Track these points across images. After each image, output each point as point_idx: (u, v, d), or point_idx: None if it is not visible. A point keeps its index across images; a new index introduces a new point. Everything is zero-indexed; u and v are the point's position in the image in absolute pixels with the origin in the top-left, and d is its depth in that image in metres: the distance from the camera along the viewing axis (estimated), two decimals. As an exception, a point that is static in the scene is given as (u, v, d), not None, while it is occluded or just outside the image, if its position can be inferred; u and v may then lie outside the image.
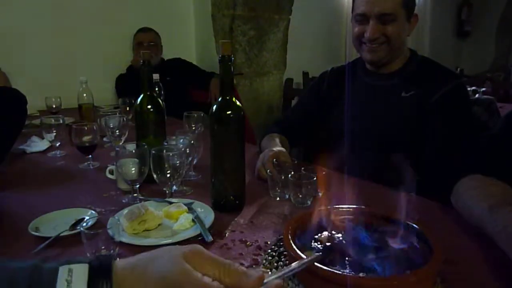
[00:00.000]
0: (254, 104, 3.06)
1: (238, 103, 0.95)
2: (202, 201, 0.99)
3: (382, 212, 0.70)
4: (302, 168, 1.07)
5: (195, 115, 1.58)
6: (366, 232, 0.61)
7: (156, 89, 1.98)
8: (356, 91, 1.43)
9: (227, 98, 0.94)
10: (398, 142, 1.33)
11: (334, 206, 0.77)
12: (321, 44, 4.00)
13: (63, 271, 0.44)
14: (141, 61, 1.15)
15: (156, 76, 1.97)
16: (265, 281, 0.45)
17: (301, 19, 3.47)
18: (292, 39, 3.36)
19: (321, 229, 0.67)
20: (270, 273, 0.48)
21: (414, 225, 0.66)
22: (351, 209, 0.74)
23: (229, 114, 0.93)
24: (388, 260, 0.55)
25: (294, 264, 0.52)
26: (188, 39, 3.27)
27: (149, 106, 1.16)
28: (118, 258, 0.48)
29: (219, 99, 0.94)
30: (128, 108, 2.05)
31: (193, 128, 1.58)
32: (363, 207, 0.74)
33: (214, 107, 0.94)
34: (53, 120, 1.54)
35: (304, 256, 0.58)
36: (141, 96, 1.16)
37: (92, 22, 2.80)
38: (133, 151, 1.06)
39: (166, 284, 0.43)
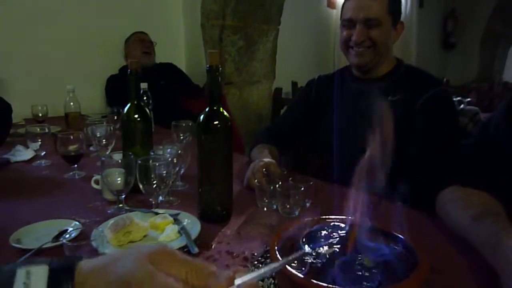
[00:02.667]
0: (243, 113, 3.07)
1: (225, 113, 0.95)
2: (189, 212, 0.98)
3: (367, 222, 0.70)
4: (290, 178, 1.07)
5: (183, 124, 1.57)
6: (353, 243, 0.61)
7: (144, 98, 1.99)
8: (344, 97, 1.46)
9: (215, 108, 0.93)
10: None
11: (321, 217, 0.76)
12: (310, 54, 4.03)
13: (21, 273, 0.42)
14: (129, 70, 1.14)
15: (144, 85, 1.98)
16: (237, 282, 0.43)
17: (290, 29, 3.50)
18: (281, 49, 3.39)
19: (308, 239, 0.66)
20: (242, 275, 0.45)
21: (399, 234, 0.66)
22: (337, 220, 0.74)
23: (216, 124, 0.93)
24: (375, 271, 0.55)
25: (272, 264, 0.49)
26: (177, 47, 3.27)
27: (136, 115, 1.15)
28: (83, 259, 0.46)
29: (207, 109, 0.94)
30: (116, 117, 2.03)
31: (181, 137, 1.58)
32: (349, 217, 0.73)
33: (202, 116, 0.94)
34: (38, 129, 1.52)
35: (290, 268, 0.57)
36: (129, 105, 1.15)
37: (80, 30, 2.78)
38: (119, 161, 1.04)
39: (128, 285, 0.41)
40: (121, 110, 2.04)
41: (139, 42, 2.77)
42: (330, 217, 0.74)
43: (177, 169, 1.14)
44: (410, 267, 0.58)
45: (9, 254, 0.81)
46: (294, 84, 3.50)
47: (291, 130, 1.59)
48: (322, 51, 4.19)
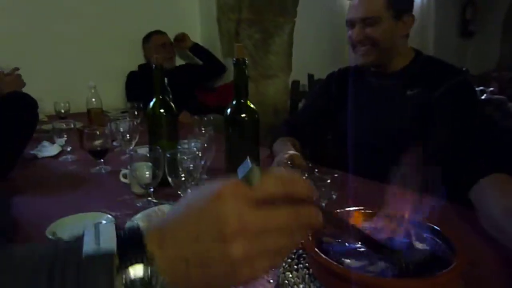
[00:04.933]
0: (260, 107, 3.03)
1: (252, 106, 0.95)
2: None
3: (401, 214, 0.70)
4: (316, 171, 1.07)
5: (205, 118, 1.58)
6: (390, 234, 0.61)
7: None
8: (362, 91, 1.45)
9: (242, 101, 0.94)
10: (404, 141, 1.33)
11: (352, 208, 0.77)
12: (326, 46, 4.00)
13: (88, 229, 0.41)
14: (154, 65, 1.15)
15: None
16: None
17: (306, 21, 3.47)
18: (297, 41, 3.36)
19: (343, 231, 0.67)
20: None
21: (435, 226, 0.66)
22: (369, 212, 0.74)
23: (243, 117, 0.94)
24: (413, 262, 0.55)
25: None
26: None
27: (162, 110, 1.16)
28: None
29: (234, 102, 0.95)
30: (136, 112, 2.05)
31: (203, 131, 1.59)
32: (381, 208, 0.73)
33: (229, 110, 0.95)
34: (64, 125, 1.55)
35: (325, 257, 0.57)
36: (154, 100, 1.16)
37: (99, 27, 2.81)
38: (147, 154, 1.06)
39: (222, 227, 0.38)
40: (141, 105, 2.10)
41: (161, 48, 2.78)
42: (360, 208, 0.74)
43: (203, 162, 1.15)
44: (447, 260, 0.58)
45: (46, 247, 0.83)
46: (310, 76, 3.47)
47: (311, 123, 1.58)
48: (338, 43, 4.13)
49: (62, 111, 2.26)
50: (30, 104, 1.30)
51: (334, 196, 1.05)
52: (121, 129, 1.54)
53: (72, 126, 1.55)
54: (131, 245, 0.38)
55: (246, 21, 2.92)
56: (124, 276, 0.36)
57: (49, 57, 2.66)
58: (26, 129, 1.27)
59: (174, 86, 2.33)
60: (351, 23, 1.36)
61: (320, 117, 1.58)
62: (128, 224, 0.85)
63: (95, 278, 0.36)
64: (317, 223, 0.42)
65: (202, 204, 0.39)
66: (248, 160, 0.42)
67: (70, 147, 1.54)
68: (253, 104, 0.98)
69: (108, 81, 2.76)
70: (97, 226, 0.41)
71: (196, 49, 3.01)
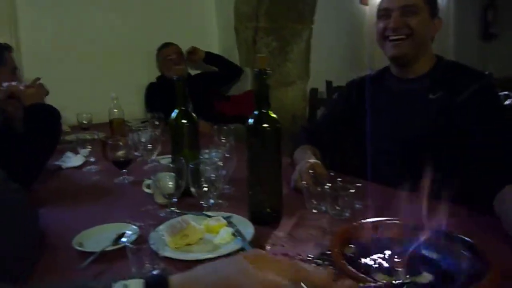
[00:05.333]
0: (278, 114, 3.01)
1: (274, 115, 0.95)
2: (239, 214, 0.99)
3: (430, 225, 0.69)
4: (339, 180, 1.06)
5: (225, 127, 1.59)
6: (421, 246, 0.60)
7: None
8: (383, 97, 1.43)
9: (263, 111, 0.94)
10: (426, 146, 1.31)
11: (378, 219, 0.75)
12: (343, 53, 3.98)
13: (118, 286, 0.44)
14: (175, 77, 1.17)
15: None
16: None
17: (323, 28, 3.46)
18: (315, 48, 3.36)
19: (372, 244, 0.66)
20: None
21: (466, 238, 0.64)
22: (398, 223, 0.73)
23: (265, 127, 0.94)
24: (447, 274, 0.54)
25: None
26: (211, 51, 3.31)
27: (184, 121, 1.17)
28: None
29: (256, 112, 0.95)
30: (156, 123, 2.08)
31: (223, 141, 1.59)
32: (410, 219, 0.72)
33: (251, 120, 0.95)
34: (87, 136, 1.58)
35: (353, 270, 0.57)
36: (176, 111, 1.17)
37: (119, 39, 2.87)
38: (170, 165, 1.07)
39: (226, 286, 0.42)
40: (161, 115, 2.12)
41: (169, 60, 2.81)
42: (388, 219, 0.73)
43: (225, 172, 1.16)
44: (480, 274, 0.56)
45: (74, 257, 0.85)
46: (328, 83, 3.46)
47: (331, 131, 1.57)
48: (355, 49, 4.12)
49: (85, 122, 2.31)
50: (53, 115, 1.33)
51: (358, 206, 1.04)
52: (143, 140, 1.57)
53: (96, 137, 1.57)
54: None
55: (263, 29, 2.94)
56: None
57: (72, 69, 2.72)
58: (50, 140, 1.30)
59: (190, 95, 2.36)
60: (386, 12, 1.34)
61: (340, 124, 1.57)
62: (152, 234, 0.85)
63: None
64: None
65: (230, 274, 0.43)
66: None
67: (94, 158, 1.57)
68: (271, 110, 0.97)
69: (128, 92, 2.81)
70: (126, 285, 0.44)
71: (210, 58, 3.02)
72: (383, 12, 1.36)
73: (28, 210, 0.96)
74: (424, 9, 1.31)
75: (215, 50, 3.33)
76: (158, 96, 2.72)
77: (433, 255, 0.59)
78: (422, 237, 0.62)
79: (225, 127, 1.59)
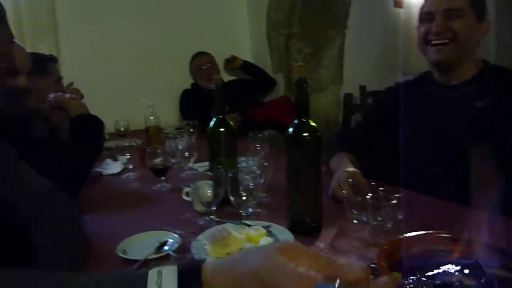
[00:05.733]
0: (312, 120, 3.04)
1: (313, 124, 0.94)
2: (277, 223, 0.99)
3: (485, 239, 0.65)
4: (380, 189, 1.04)
5: (260, 135, 1.59)
6: (477, 262, 0.57)
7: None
8: (424, 104, 1.39)
9: (303, 120, 0.93)
10: (471, 155, 1.26)
11: (427, 232, 0.73)
12: (377, 57, 3.91)
13: (153, 272, 0.44)
14: (213, 86, 1.18)
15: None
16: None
17: (356, 32, 3.42)
18: (348, 53, 3.32)
19: (424, 258, 0.63)
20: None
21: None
22: (449, 236, 0.70)
23: (305, 136, 0.93)
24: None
25: None
26: (243, 57, 3.33)
27: (221, 129, 1.18)
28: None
29: (295, 121, 0.94)
30: (191, 130, 2.11)
31: (259, 148, 1.59)
32: (462, 233, 0.69)
33: (291, 129, 0.94)
34: (126, 143, 1.62)
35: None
36: (214, 119, 1.19)
37: (154, 48, 2.94)
38: (208, 173, 1.08)
39: (258, 278, 0.40)
40: (196, 123, 2.15)
41: (197, 71, 2.90)
42: (437, 232, 0.70)
43: (263, 180, 1.15)
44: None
45: (117, 264, 0.86)
46: (362, 88, 3.41)
47: (368, 138, 1.54)
48: (389, 53, 4.04)
49: (122, 129, 2.37)
50: (97, 125, 1.37)
51: (399, 217, 1.01)
52: (180, 147, 1.59)
53: (134, 144, 1.61)
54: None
55: (296, 35, 2.93)
56: None
57: (109, 77, 2.80)
58: (94, 150, 1.34)
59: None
60: (429, 16, 1.30)
61: (377, 132, 1.54)
62: (194, 243, 0.86)
63: None
64: None
65: (266, 269, 0.41)
66: (337, 283, 0.40)
67: (132, 165, 1.61)
68: None
69: (163, 99, 2.86)
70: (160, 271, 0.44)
71: (246, 66, 3.06)
72: (425, 16, 1.32)
73: (75, 219, 0.99)
74: (469, 12, 1.26)
75: (247, 56, 3.35)
76: (192, 104, 2.76)
77: (492, 272, 0.56)
78: (478, 253, 0.59)
79: (260, 135, 1.58)
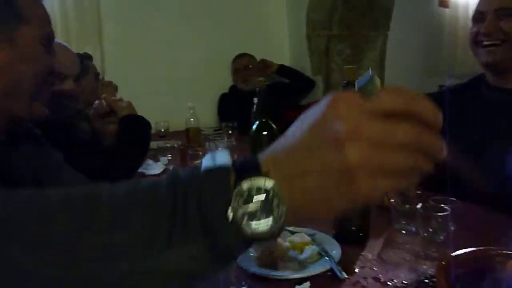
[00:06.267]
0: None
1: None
2: (320, 230, 0.96)
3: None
4: (431, 199, 0.99)
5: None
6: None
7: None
8: (477, 110, 1.31)
9: (352, 125, 0.90)
10: None
11: (484, 248, 0.68)
12: (420, 58, 3.77)
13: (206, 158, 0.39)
14: (257, 89, 1.17)
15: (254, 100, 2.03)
16: None
17: (399, 33, 3.31)
18: (390, 54, 3.22)
19: (481, 275, 0.59)
20: None
21: None
22: (508, 253, 0.65)
23: (354, 141, 0.89)
24: None
25: None
26: (282, 60, 3.31)
27: (264, 132, 1.17)
28: None
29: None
30: (230, 132, 2.12)
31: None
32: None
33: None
34: (168, 144, 1.64)
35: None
36: (257, 122, 1.17)
37: (194, 49, 2.98)
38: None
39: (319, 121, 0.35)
40: (235, 125, 2.15)
41: (235, 72, 2.92)
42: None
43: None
44: None
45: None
46: (404, 91, 3.29)
47: None
48: (433, 55, 3.89)
49: (162, 130, 2.41)
50: (145, 126, 1.39)
51: (452, 228, 0.96)
52: (220, 149, 1.59)
53: (176, 145, 1.63)
54: (246, 167, 0.37)
55: (336, 37, 2.88)
56: (239, 189, 0.35)
57: (151, 79, 2.87)
58: (142, 151, 1.36)
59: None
60: (481, 16, 1.25)
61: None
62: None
63: (212, 189, 0.35)
64: (439, 154, 0.36)
65: (314, 116, 0.36)
66: (370, 71, 0.36)
67: (173, 166, 1.62)
68: None
69: (202, 101, 2.89)
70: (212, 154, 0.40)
71: (282, 70, 3.01)
72: (477, 16, 1.26)
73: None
74: None
75: (286, 58, 3.33)
76: (230, 106, 2.78)
77: None
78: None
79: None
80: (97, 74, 2.03)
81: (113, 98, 1.46)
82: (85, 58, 1.94)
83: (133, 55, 2.82)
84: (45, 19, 0.80)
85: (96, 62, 2.73)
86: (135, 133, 1.34)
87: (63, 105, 1.29)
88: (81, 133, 1.55)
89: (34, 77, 0.77)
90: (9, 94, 0.76)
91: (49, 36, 0.80)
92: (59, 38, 2.45)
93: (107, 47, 2.79)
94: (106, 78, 2.61)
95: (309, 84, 3.02)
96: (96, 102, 1.48)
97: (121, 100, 1.49)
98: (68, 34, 2.57)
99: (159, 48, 2.89)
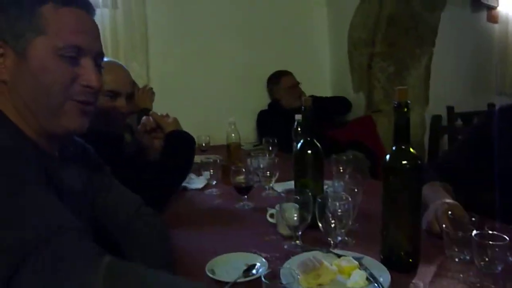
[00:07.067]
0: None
1: (414, 151, 0.88)
2: (367, 255, 0.93)
3: None
4: (487, 226, 0.93)
5: (344, 157, 1.53)
6: None
7: (299, 129, 2.03)
8: None
9: (403, 147, 0.87)
10: None
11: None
12: (467, 75, 3.63)
13: None
14: (302, 107, 1.17)
15: (298, 117, 2.02)
16: None
17: (444, 50, 3.21)
18: (435, 71, 3.13)
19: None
20: None
21: None
22: None
23: (404, 164, 0.87)
24: None
25: None
26: (322, 77, 3.30)
27: (309, 151, 1.16)
28: None
29: (394, 148, 0.89)
30: (270, 148, 2.11)
31: (341, 170, 1.54)
32: None
33: (388, 156, 0.89)
34: (211, 159, 1.66)
35: None
36: (302, 140, 1.17)
37: (236, 66, 3.02)
38: (296, 196, 1.05)
39: None
40: (275, 141, 2.14)
41: (291, 89, 2.86)
42: None
43: (351, 206, 1.10)
44: None
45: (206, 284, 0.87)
46: (449, 109, 3.18)
47: (465, 166, 1.41)
48: (481, 72, 3.74)
49: (203, 144, 2.45)
50: (189, 141, 1.42)
51: (511, 259, 0.90)
52: (261, 165, 1.59)
53: (218, 161, 1.64)
54: None
55: (379, 54, 2.83)
56: None
57: (193, 93, 2.93)
58: (185, 166, 1.38)
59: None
60: None
61: (476, 159, 1.40)
62: (284, 270, 0.83)
63: None
64: None
65: None
66: None
67: (215, 181, 1.64)
68: (386, 139, 0.90)
69: (242, 116, 2.91)
70: None
71: (316, 101, 2.96)
72: None
73: (163, 234, 1.03)
74: None
75: (327, 75, 3.31)
76: (271, 123, 2.77)
77: None
78: None
79: (344, 157, 1.53)
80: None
81: (159, 114, 1.50)
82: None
83: (176, 71, 2.90)
84: (68, 29, 0.75)
85: (142, 76, 2.85)
86: (180, 148, 1.37)
87: (114, 122, 1.34)
88: (126, 147, 1.60)
89: (50, 89, 0.74)
90: (29, 108, 0.75)
91: (72, 47, 0.75)
92: (109, 54, 2.59)
93: (153, 62, 2.89)
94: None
95: (346, 107, 2.95)
96: (144, 118, 1.52)
97: (167, 116, 1.53)
98: (117, 50, 2.68)
99: (201, 65, 2.95)
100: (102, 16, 2.54)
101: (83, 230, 0.64)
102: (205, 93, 2.96)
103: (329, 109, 2.92)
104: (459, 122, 2.84)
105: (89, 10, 0.81)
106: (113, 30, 2.65)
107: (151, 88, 2.36)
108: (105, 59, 1.48)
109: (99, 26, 0.84)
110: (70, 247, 0.59)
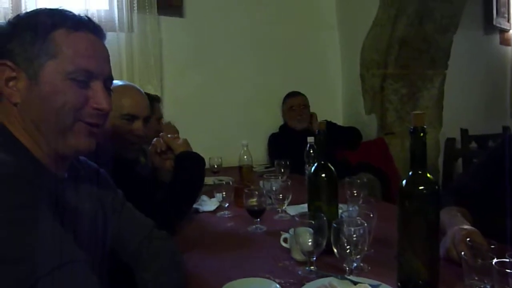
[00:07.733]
0: (407, 164, 2.86)
1: (431, 177, 0.87)
2: (383, 281, 0.91)
3: None
4: (507, 254, 0.91)
5: (358, 181, 1.52)
6: None
7: (311, 151, 2.02)
8: None
9: (419, 172, 0.86)
10: None
11: None
12: (480, 98, 3.62)
13: None
14: (317, 130, 1.17)
15: (311, 139, 2.02)
16: None
17: (458, 72, 3.21)
18: (448, 93, 3.12)
19: None
20: None
21: None
22: None
23: (421, 189, 0.86)
24: None
25: None
26: (335, 100, 3.31)
27: (323, 175, 1.15)
28: None
29: (410, 173, 0.88)
30: (282, 170, 2.11)
31: (355, 193, 1.52)
32: None
33: (404, 181, 0.88)
34: (223, 182, 1.66)
35: None
36: (316, 164, 1.16)
37: (246, 88, 3.04)
38: (310, 221, 1.04)
39: None
40: (287, 163, 2.14)
41: (289, 111, 2.91)
42: None
43: (368, 232, 1.08)
44: None
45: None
46: (463, 131, 3.15)
47: (482, 191, 1.38)
48: (495, 94, 3.72)
49: (215, 166, 2.45)
50: (199, 161, 1.42)
51: (534, 289, 0.87)
52: (274, 188, 1.58)
53: (231, 183, 1.64)
54: None
55: (392, 76, 2.84)
56: None
57: (205, 117, 2.95)
58: (196, 188, 1.38)
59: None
60: None
61: (494, 185, 1.37)
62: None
63: None
64: None
65: None
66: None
67: (228, 203, 1.63)
68: (399, 161, 0.89)
69: (255, 139, 2.92)
70: None
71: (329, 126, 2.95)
72: None
73: (175, 257, 1.02)
74: None
75: (339, 96, 3.32)
76: (281, 145, 2.77)
77: None
78: None
79: (358, 180, 1.52)
80: (161, 117, 2.13)
81: (169, 135, 1.51)
82: (155, 100, 2.04)
83: (189, 94, 2.94)
84: (79, 54, 0.77)
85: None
86: (190, 169, 1.37)
87: (131, 145, 1.35)
88: (141, 169, 1.61)
89: (61, 111, 0.75)
90: (39, 129, 0.76)
91: (83, 71, 0.77)
92: (124, 77, 2.64)
93: (167, 85, 2.93)
94: (164, 115, 2.73)
95: (356, 138, 2.90)
96: (154, 139, 1.54)
97: (177, 137, 1.54)
98: (132, 74, 2.73)
99: (214, 86, 2.99)
100: (118, 39, 2.60)
101: (85, 261, 0.64)
102: (218, 116, 2.99)
103: (340, 140, 2.88)
104: (473, 145, 2.81)
105: (100, 34, 0.83)
106: (128, 53, 2.71)
107: (174, 126, 2.34)
108: (122, 82, 1.51)
109: (116, 50, 0.86)
110: (71, 281, 0.59)
